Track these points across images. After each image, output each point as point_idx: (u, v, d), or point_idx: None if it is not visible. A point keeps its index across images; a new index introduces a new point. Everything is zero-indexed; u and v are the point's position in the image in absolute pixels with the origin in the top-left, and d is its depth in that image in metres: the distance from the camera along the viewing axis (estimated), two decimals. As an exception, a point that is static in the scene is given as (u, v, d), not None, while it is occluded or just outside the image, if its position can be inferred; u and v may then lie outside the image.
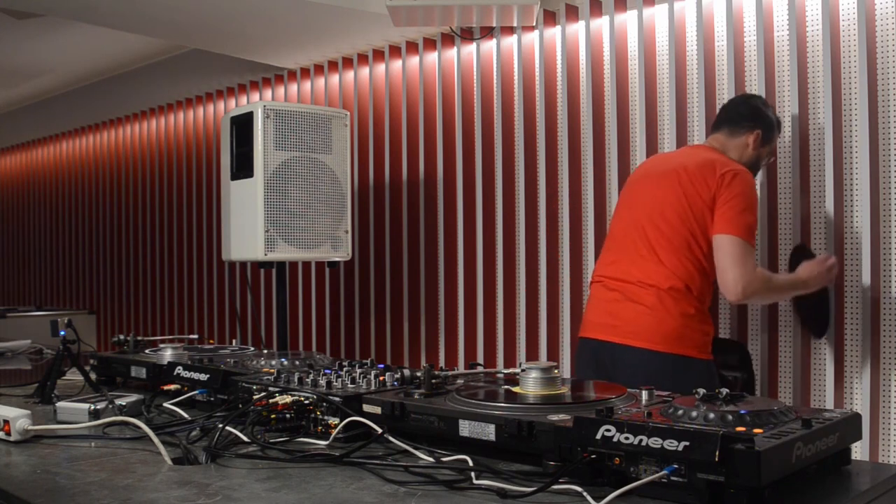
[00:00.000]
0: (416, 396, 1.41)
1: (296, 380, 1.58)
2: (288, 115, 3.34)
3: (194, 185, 5.26)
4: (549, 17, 3.47)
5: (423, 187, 3.93)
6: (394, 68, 4.08)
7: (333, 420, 1.42)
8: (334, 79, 4.39)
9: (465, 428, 1.28)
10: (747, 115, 2.60)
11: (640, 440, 1.06)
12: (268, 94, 4.78)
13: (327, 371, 1.62)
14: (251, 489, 1.15)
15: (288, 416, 1.45)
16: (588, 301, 2.64)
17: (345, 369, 1.63)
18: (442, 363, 3.82)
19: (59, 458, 1.37)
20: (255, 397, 1.52)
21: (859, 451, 2.55)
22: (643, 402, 1.30)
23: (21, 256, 7.30)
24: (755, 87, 2.90)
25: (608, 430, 1.09)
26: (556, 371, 1.42)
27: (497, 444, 1.24)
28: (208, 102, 5.17)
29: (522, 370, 1.43)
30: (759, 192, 2.86)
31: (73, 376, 2.10)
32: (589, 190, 3.32)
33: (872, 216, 2.63)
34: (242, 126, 3.36)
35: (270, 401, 1.46)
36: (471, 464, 1.19)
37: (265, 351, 2.09)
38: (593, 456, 1.10)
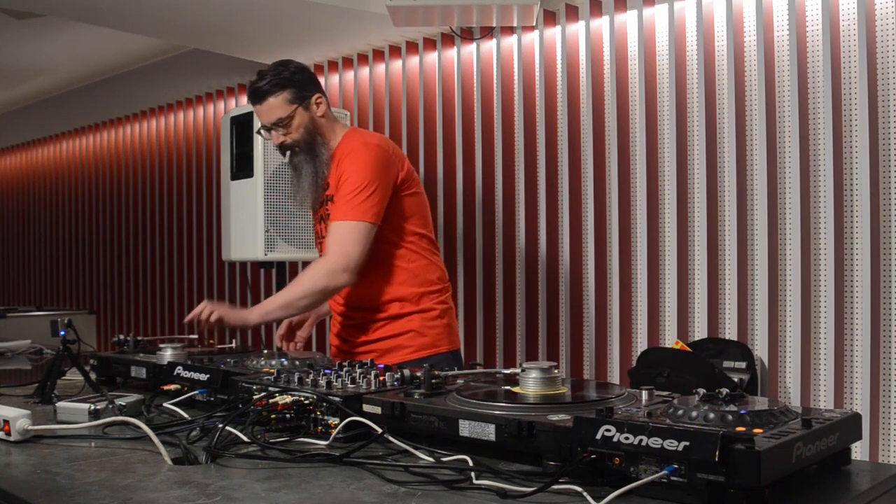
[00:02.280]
0: (416, 396, 1.41)
1: (296, 380, 1.58)
2: (288, 115, 3.33)
3: (194, 185, 5.26)
4: (549, 17, 3.47)
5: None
6: (394, 68, 4.08)
7: (333, 420, 1.42)
8: (334, 79, 4.39)
9: (465, 428, 1.28)
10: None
11: (640, 440, 1.06)
12: (268, 94, 4.77)
13: (327, 371, 1.62)
14: (251, 489, 1.15)
15: (288, 416, 1.45)
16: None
17: (345, 369, 1.63)
18: (442, 363, 3.82)
19: (59, 458, 1.37)
20: (255, 397, 1.52)
21: (859, 451, 2.55)
22: (643, 401, 1.30)
23: (21, 256, 7.30)
24: (755, 87, 2.90)
25: (608, 430, 1.09)
26: (556, 371, 1.42)
27: (497, 444, 1.24)
28: (208, 102, 5.17)
29: (522, 370, 1.43)
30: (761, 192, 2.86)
31: (73, 376, 2.10)
32: (589, 190, 3.32)
33: (872, 216, 2.63)
34: (242, 126, 3.36)
35: (270, 401, 1.46)
36: (471, 464, 1.19)
37: (265, 351, 2.09)
38: (593, 456, 1.10)
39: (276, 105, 2.30)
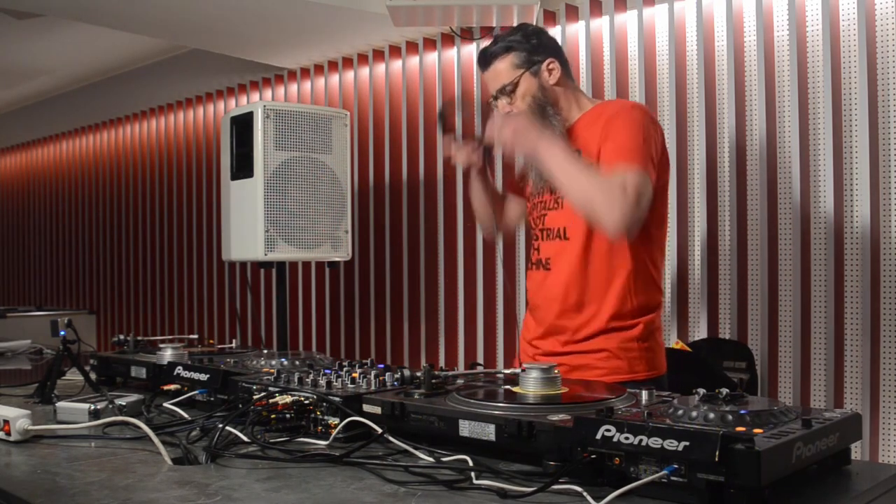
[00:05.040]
0: (416, 396, 1.41)
1: (296, 380, 1.58)
2: (288, 115, 3.34)
3: (194, 185, 5.26)
4: (549, 17, 3.47)
5: (423, 187, 3.93)
6: (394, 68, 4.08)
7: (333, 420, 1.42)
8: (334, 79, 4.39)
9: (465, 428, 1.28)
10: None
11: (640, 440, 1.06)
12: (268, 94, 4.78)
13: (327, 371, 1.62)
14: (251, 489, 1.15)
15: (288, 416, 1.45)
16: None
17: (345, 369, 1.63)
18: (442, 363, 3.82)
19: (59, 458, 1.37)
20: (255, 397, 1.52)
21: (859, 451, 2.55)
22: (643, 402, 1.30)
23: (21, 256, 7.30)
24: (755, 87, 2.90)
25: (608, 430, 1.09)
26: (556, 371, 1.42)
27: (497, 444, 1.24)
28: (208, 102, 5.17)
29: (522, 370, 1.43)
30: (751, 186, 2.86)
31: (73, 376, 2.10)
32: (589, 190, 3.32)
33: (872, 216, 2.63)
34: (242, 126, 3.36)
35: (270, 401, 1.46)
36: (471, 464, 1.19)
37: (265, 351, 2.09)
38: (593, 456, 1.10)
39: (502, 71, 2.07)
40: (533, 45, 2.07)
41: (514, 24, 3.45)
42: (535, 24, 3.40)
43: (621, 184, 1.84)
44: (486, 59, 2.10)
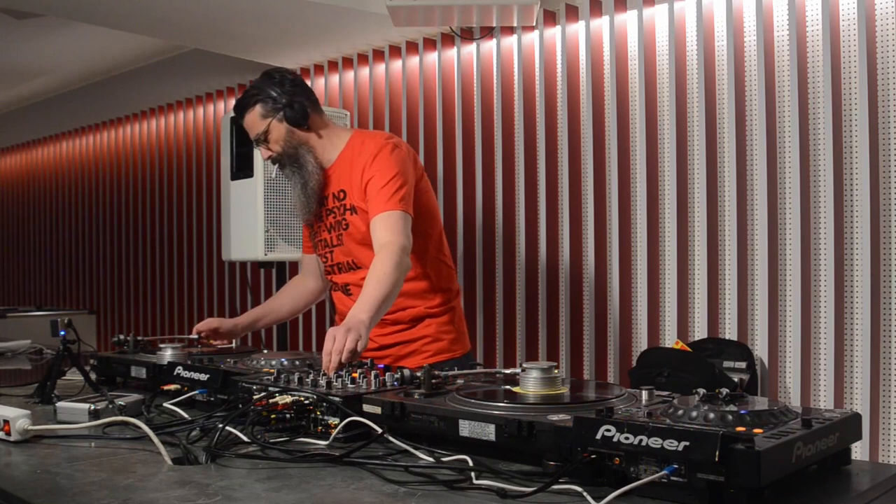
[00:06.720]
0: (416, 396, 1.41)
1: (296, 380, 1.58)
2: (288, 115, 3.33)
3: (194, 185, 5.26)
4: (549, 17, 3.47)
5: (423, 187, 3.93)
6: (394, 68, 4.08)
7: (333, 420, 1.42)
8: (334, 79, 4.39)
9: (465, 428, 1.28)
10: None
11: (640, 440, 1.05)
12: (268, 94, 4.77)
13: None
14: (251, 489, 1.15)
15: (288, 416, 1.45)
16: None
17: (345, 369, 1.63)
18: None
19: (59, 458, 1.37)
20: (255, 397, 1.52)
21: (859, 451, 2.55)
22: (643, 401, 1.30)
23: (21, 256, 7.30)
24: (755, 87, 2.90)
25: (608, 430, 1.09)
26: (556, 371, 1.42)
27: (497, 444, 1.24)
28: (208, 102, 5.17)
29: (522, 370, 1.43)
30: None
31: (73, 376, 2.10)
32: (589, 189, 3.32)
33: (872, 216, 2.63)
34: (242, 126, 3.36)
35: (270, 401, 1.46)
36: (471, 464, 1.19)
37: (265, 351, 2.08)
38: (593, 456, 1.10)
39: (252, 121, 2.20)
40: (276, 92, 2.18)
41: (514, 24, 3.46)
42: (534, 24, 3.41)
43: (399, 244, 2.04)
44: (238, 111, 2.23)
